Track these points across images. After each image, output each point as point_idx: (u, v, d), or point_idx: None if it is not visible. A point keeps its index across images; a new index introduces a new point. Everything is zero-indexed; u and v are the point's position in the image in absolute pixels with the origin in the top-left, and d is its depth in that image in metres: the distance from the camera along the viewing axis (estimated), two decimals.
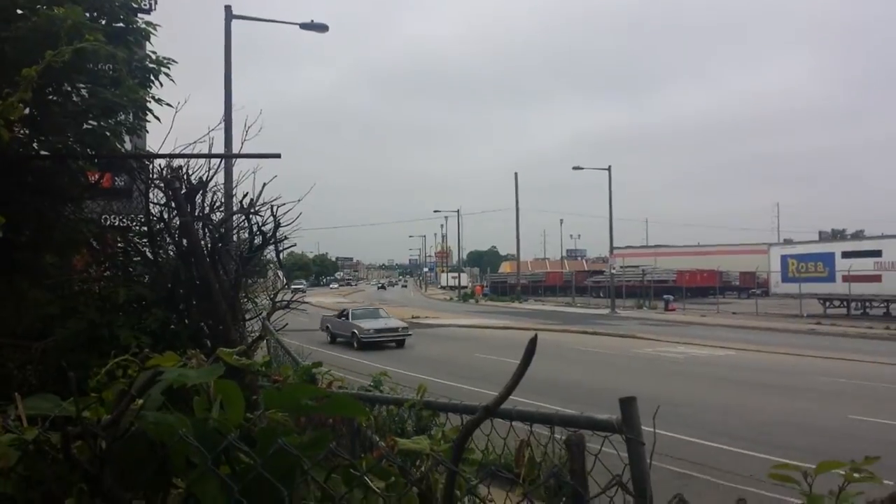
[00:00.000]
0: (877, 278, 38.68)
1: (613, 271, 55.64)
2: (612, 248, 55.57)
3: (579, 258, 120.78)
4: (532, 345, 1.66)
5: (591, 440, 2.49)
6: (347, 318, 29.32)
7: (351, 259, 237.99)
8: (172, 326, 5.38)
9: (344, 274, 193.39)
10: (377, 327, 27.88)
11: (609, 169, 51.12)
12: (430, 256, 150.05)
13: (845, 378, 18.84)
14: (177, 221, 5.53)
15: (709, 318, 42.14)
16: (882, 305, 41.55)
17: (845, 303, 42.39)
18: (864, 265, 39.18)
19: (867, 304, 42.28)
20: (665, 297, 52.21)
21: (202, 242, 5.47)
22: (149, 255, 5.89)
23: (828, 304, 43.25)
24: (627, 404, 2.15)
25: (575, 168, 52.32)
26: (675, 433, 11.35)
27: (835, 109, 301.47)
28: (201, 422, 1.64)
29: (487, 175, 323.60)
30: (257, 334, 6.55)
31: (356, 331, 27.57)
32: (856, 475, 1.52)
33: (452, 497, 1.65)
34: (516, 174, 69.70)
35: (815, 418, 13.79)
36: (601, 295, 63.35)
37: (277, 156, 6.12)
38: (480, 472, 2.05)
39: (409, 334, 28.18)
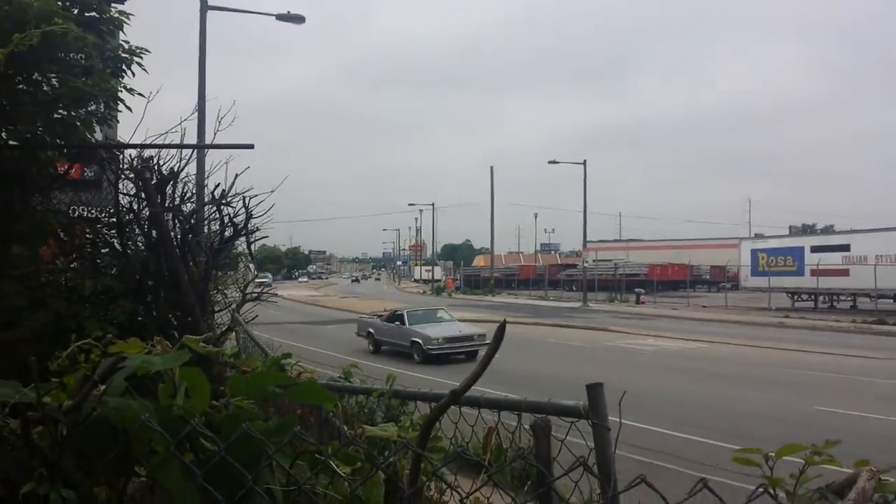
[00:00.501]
0: (845, 272, 39.36)
1: (586, 265, 56.07)
2: (585, 242, 55.98)
3: (553, 252, 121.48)
4: (500, 331, 1.68)
5: (560, 431, 2.52)
6: (403, 323, 23.63)
7: (324, 252, 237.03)
8: (140, 318, 5.33)
9: (317, 267, 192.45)
10: (448, 335, 22.35)
11: (584, 163, 51.38)
12: (403, 250, 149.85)
13: (812, 370, 19.18)
14: (147, 212, 5.47)
15: (679, 311, 42.61)
16: (849, 299, 42.34)
17: (813, 296, 43.11)
18: (833, 260, 39.84)
19: (834, 297, 43.04)
20: (636, 290, 52.73)
21: (172, 233, 5.42)
22: (117, 246, 5.82)
23: (796, 297, 43.92)
24: (594, 391, 2.18)
25: (550, 162, 52.49)
26: (642, 423, 11.51)
27: (809, 105, 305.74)
28: (165, 409, 1.64)
29: (463, 169, 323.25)
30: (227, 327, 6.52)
31: (419, 339, 22.11)
32: (816, 458, 1.55)
33: (418, 479, 1.66)
34: (492, 168, 69.95)
35: (782, 409, 14.02)
36: (574, 288, 63.76)
37: (251, 146, 6.07)
38: (448, 458, 2.07)
39: (487, 343, 23.30)
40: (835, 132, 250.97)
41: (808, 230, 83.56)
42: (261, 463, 1.55)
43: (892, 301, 38.65)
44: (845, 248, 40.26)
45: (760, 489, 1.41)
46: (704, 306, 45.24)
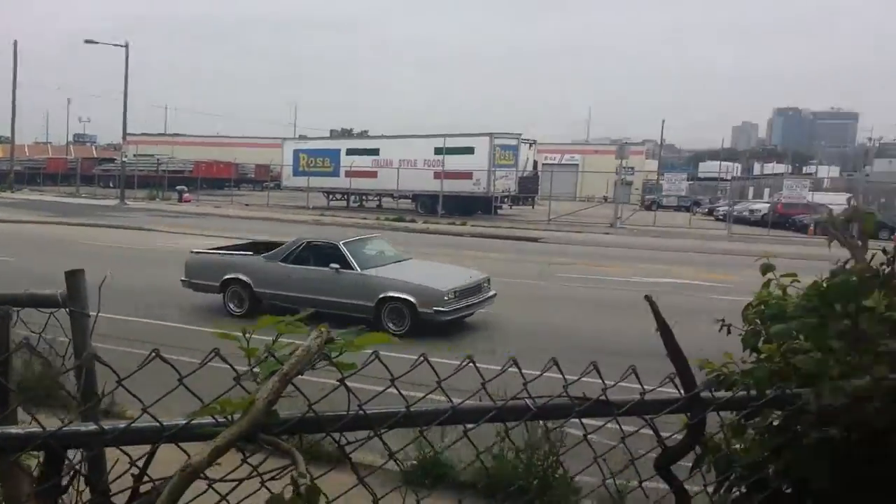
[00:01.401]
0: (373, 174, 43.70)
1: (125, 159, 52.35)
2: (125, 135, 51.78)
3: (89, 144, 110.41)
4: None
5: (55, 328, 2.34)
6: (347, 266, 12.44)
7: None
8: None
9: None
10: (458, 285, 12.52)
11: (126, 46, 46.87)
12: None
13: None
14: None
15: (222, 209, 42.80)
16: (376, 199, 47.46)
17: (346, 196, 47.23)
18: (365, 162, 43.88)
19: (364, 197, 47.78)
20: (178, 188, 51.32)
21: None
22: None
23: (331, 196, 47.56)
24: (73, 277, 2.09)
25: (87, 41, 46.82)
26: (146, 319, 12.08)
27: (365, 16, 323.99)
28: None
29: None
30: None
31: (411, 297, 12.04)
32: (288, 327, 1.73)
33: None
34: (15, 42, 59.89)
35: None
36: (111, 185, 59.22)
37: None
38: None
39: (494, 293, 13.45)
40: (371, 40, 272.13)
41: (346, 134, 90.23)
42: None
43: (409, 201, 44.41)
44: (375, 152, 44.65)
45: (213, 353, 1.52)
46: (247, 205, 46.12)
